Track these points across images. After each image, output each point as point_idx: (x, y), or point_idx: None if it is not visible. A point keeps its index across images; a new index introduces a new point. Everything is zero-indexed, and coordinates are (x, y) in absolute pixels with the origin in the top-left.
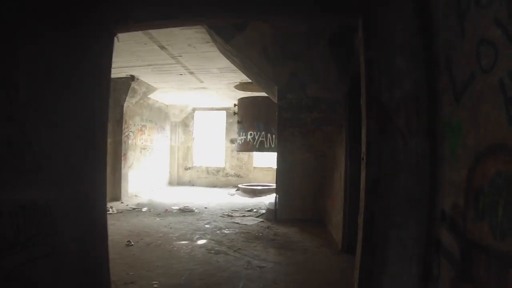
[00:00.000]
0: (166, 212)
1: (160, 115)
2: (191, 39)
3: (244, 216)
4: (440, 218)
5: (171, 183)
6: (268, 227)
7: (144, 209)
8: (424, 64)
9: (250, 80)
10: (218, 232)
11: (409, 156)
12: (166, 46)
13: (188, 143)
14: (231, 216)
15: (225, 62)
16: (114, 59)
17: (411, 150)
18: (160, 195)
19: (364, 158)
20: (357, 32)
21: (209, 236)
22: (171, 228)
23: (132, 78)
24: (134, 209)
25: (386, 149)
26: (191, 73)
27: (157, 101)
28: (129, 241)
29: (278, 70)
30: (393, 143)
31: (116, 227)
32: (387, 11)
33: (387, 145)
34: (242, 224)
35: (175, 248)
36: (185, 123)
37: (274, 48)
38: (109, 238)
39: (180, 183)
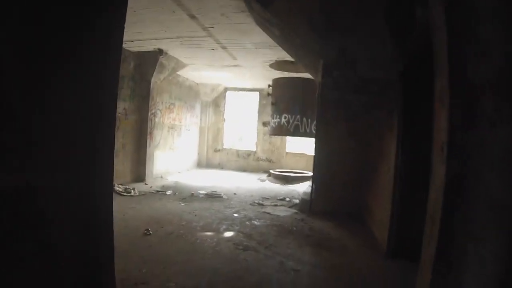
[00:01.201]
0: (192, 196)
1: (190, 93)
2: (224, 7)
3: (276, 205)
4: None
5: (199, 165)
6: (302, 220)
7: (169, 192)
8: None
9: (287, 59)
10: (247, 223)
11: (497, 149)
12: (196, 15)
13: (218, 124)
14: (262, 204)
15: (261, 37)
16: (139, 29)
17: (501, 141)
18: (187, 177)
19: (445, 148)
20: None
21: (237, 228)
22: (195, 215)
23: (160, 52)
24: (158, 191)
25: (471, 139)
26: (224, 48)
27: (187, 78)
28: (148, 229)
29: (325, 43)
30: (479, 132)
31: (135, 212)
32: None
33: (473, 134)
34: (274, 215)
35: (198, 241)
36: (216, 103)
37: (321, 18)
38: (126, 224)
39: (209, 165)
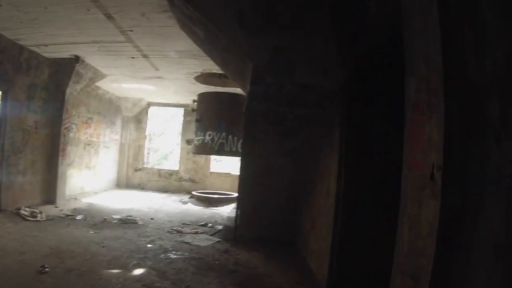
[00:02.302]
0: (104, 222)
1: (110, 107)
2: (144, 6)
3: (196, 232)
4: None
5: (119, 186)
6: (226, 251)
7: (79, 217)
8: None
9: (214, 70)
10: (162, 256)
11: (503, 170)
12: (113, 15)
13: (140, 141)
14: (181, 232)
15: (185, 44)
16: (53, 31)
17: (507, 160)
18: (104, 199)
19: (440, 175)
20: None
21: (149, 263)
22: (103, 246)
23: (77, 59)
24: (67, 216)
25: (473, 159)
26: (145, 56)
27: (108, 91)
28: (44, 265)
29: (256, 43)
30: (482, 149)
31: (36, 241)
32: None
33: (474, 152)
34: (194, 245)
35: (101, 281)
36: (138, 119)
37: (254, 13)
38: (21, 258)
39: (129, 186)
